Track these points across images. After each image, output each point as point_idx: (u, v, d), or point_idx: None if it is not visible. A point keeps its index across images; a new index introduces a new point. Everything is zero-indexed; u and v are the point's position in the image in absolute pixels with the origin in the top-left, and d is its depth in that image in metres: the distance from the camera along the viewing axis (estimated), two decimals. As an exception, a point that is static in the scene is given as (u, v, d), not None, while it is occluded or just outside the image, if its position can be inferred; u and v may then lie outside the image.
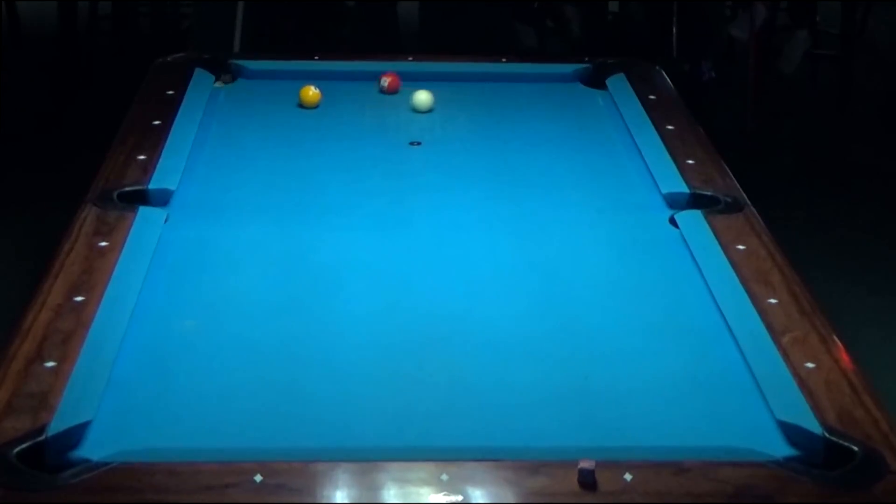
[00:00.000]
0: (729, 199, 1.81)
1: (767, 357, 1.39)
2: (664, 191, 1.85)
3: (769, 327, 1.45)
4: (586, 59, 2.43)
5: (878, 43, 4.57)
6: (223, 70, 2.29)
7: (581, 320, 1.51)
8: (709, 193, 1.83)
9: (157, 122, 2.04)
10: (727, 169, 1.94)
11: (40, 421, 1.23)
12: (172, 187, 1.81)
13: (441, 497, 1.15)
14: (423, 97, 2.16)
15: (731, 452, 1.24)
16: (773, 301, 1.51)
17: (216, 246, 1.69)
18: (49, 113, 3.92)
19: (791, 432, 1.27)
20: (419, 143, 2.08)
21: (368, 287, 1.58)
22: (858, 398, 1.31)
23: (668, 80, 2.38)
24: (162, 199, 1.79)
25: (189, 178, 1.87)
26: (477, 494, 1.17)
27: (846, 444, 1.23)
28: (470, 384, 1.36)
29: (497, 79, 2.35)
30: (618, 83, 2.29)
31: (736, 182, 1.89)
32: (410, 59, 2.44)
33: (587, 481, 1.16)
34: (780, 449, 1.25)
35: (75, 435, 1.22)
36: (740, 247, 1.66)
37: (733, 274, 1.58)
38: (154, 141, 1.96)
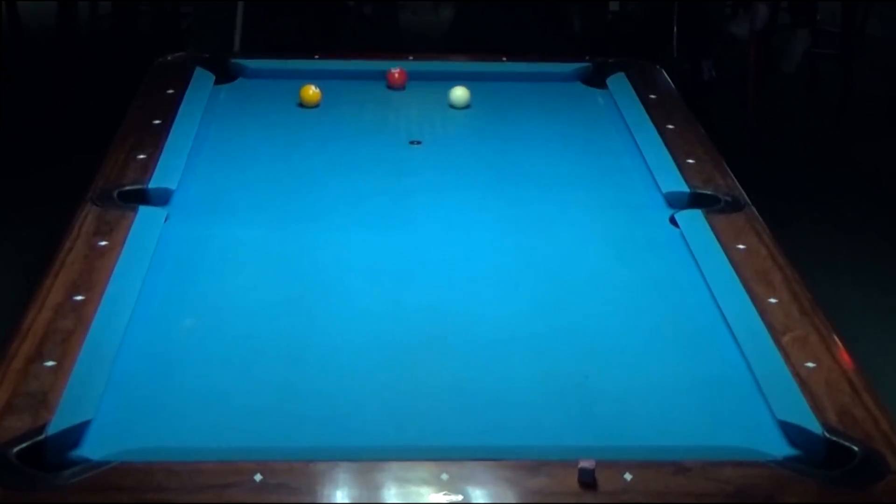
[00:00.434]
0: (729, 199, 1.81)
1: (768, 356, 1.39)
2: (664, 190, 1.85)
3: (769, 327, 1.45)
4: (587, 58, 2.43)
5: (879, 41, 4.56)
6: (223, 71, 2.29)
7: (581, 319, 1.51)
8: (709, 193, 1.83)
9: (157, 122, 2.04)
10: (727, 168, 1.94)
11: (40, 420, 1.23)
12: (172, 187, 1.81)
13: (441, 496, 1.15)
14: (459, 93, 2.16)
15: (732, 452, 1.24)
16: (773, 300, 1.51)
17: (216, 245, 1.69)
18: (49, 112, 3.92)
19: (791, 432, 1.27)
20: (419, 143, 2.08)
21: (369, 287, 1.58)
22: (859, 398, 1.31)
23: (669, 79, 2.38)
24: (162, 198, 1.78)
25: (189, 177, 1.87)
26: (477, 494, 1.17)
27: (846, 443, 1.23)
28: (470, 383, 1.36)
29: (497, 78, 2.35)
30: (618, 82, 2.29)
31: (736, 181, 1.89)
32: (411, 58, 2.44)
33: (587, 481, 1.16)
34: (781, 448, 1.25)
35: (75, 434, 1.22)
36: (740, 246, 1.66)
37: (733, 273, 1.58)
38: (154, 140, 1.96)
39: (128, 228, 1.65)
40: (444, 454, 1.21)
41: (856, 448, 1.22)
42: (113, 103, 2.37)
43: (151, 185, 1.81)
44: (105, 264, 1.56)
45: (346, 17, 3.41)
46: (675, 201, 1.82)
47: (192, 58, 2.36)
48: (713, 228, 1.71)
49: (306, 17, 3.35)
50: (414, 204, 1.85)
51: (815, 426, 1.25)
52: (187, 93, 2.16)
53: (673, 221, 1.77)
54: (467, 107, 2.19)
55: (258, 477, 1.16)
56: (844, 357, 1.39)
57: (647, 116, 2.13)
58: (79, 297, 1.47)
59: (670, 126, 2.10)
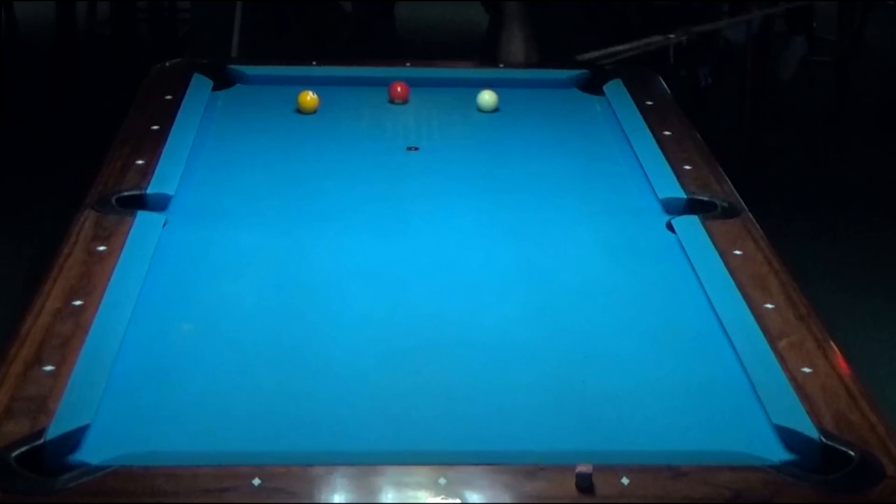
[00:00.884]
0: (726, 205, 1.82)
1: (764, 361, 1.40)
2: (661, 196, 1.86)
3: (766, 332, 1.46)
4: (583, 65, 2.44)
5: (875, 49, 4.58)
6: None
7: (578, 325, 1.52)
8: (706, 198, 1.84)
9: (155, 127, 2.05)
10: (724, 174, 1.95)
11: (39, 425, 1.23)
12: (171, 192, 1.82)
13: (439, 500, 1.16)
14: (487, 97, 2.18)
15: (728, 456, 1.24)
16: (769, 306, 1.52)
17: (214, 250, 1.69)
18: (47, 117, 3.92)
19: (788, 437, 1.27)
20: (416, 149, 2.09)
21: (367, 292, 1.58)
22: (855, 402, 1.32)
23: (665, 85, 2.39)
24: (160, 203, 1.79)
25: (187, 182, 1.87)
26: (475, 498, 1.17)
27: (843, 448, 1.23)
28: (468, 388, 1.36)
29: (494, 84, 2.36)
30: (615, 89, 2.30)
31: (733, 187, 1.90)
32: (408, 64, 2.45)
33: (585, 485, 1.16)
34: (777, 453, 1.25)
35: (74, 438, 1.22)
36: (737, 252, 1.66)
37: (730, 279, 1.58)
38: (152, 146, 1.97)
39: (126, 234, 1.66)
40: (442, 458, 1.21)
41: (852, 453, 1.23)
42: (111, 109, 2.38)
43: (150, 190, 1.81)
44: (104, 269, 1.56)
45: (343, 22, 3.41)
46: (672, 207, 1.83)
47: (189, 64, 2.36)
48: (710, 234, 1.71)
49: (304, 22, 3.36)
50: (411, 210, 1.85)
51: (811, 431, 1.26)
52: (185, 99, 2.17)
53: (669, 227, 1.77)
54: (496, 110, 2.20)
55: (256, 481, 1.16)
56: (840, 362, 1.40)
57: (643, 123, 2.14)
58: (77, 302, 1.47)
59: (667, 132, 2.10)
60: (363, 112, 2.25)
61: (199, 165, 1.95)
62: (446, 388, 1.36)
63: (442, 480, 1.18)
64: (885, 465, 1.21)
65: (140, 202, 1.78)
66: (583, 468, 1.15)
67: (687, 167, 1.96)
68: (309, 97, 2.19)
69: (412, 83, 2.29)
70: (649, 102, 2.24)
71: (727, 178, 1.93)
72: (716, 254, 1.66)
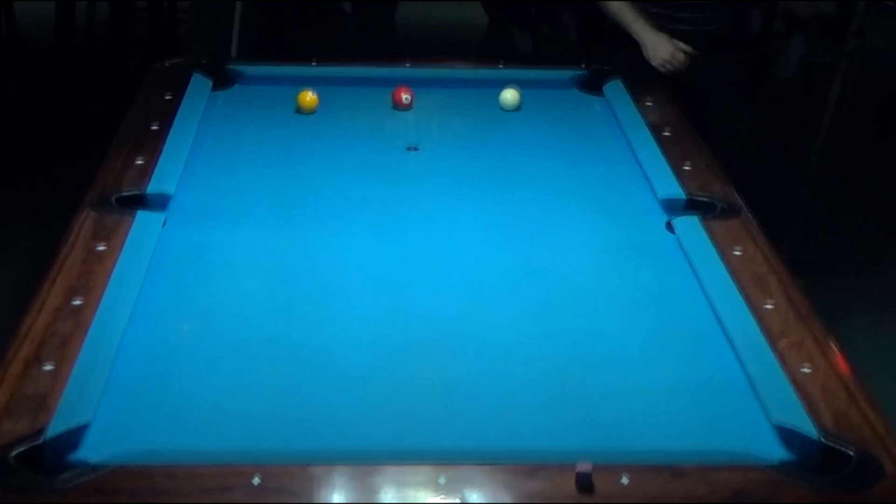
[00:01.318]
0: (725, 205, 1.82)
1: (764, 361, 1.40)
2: (661, 196, 1.86)
3: (766, 331, 1.46)
4: (583, 64, 2.44)
5: (873, 48, 4.58)
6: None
7: (578, 324, 1.52)
8: (705, 198, 1.84)
9: (155, 127, 2.05)
10: (724, 174, 1.95)
11: (39, 423, 1.23)
12: (170, 192, 1.82)
13: (439, 499, 1.16)
14: (509, 95, 2.19)
15: (728, 456, 1.24)
16: (769, 305, 1.52)
17: (214, 250, 1.69)
18: (47, 117, 3.92)
19: (787, 436, 1.27)
20: (416, 149, 2.09)
21: (366, 291, 1.58)
22: (854, 402, 1.32)
23: (665, 85, 2.38)
24: (160, 203, 1.79)
25: (187, 182, 1.87)
26: (474, 497, 1.17)
27: (842, 447, 1.24)
28: (467, 387, 1.36)
29: (494, 84, 2.36)
30: (615, 89, 2.30)
31: (732, 187, 1.90)
32: (408, 64, 2.45)
33: (585, 484, 1.16)
34: (777, 452, 1.25)
35: (74, 437, 1.22)
36: (737, 251, 1.66)
37: (730, 278, 1.58)
38: (152, 145, 1.97)
39: (126, 233, 1.66)
40: (442, 457, 1.21)
41: (851, 452, 1.23)
42: (110, 108, 2.37)
43: (149, 190, 1.81)
44: (103, 268, 1.56)
45: (343, 23, 3.41)
46: (672, 207, 1.83)
47: (189, 63, 2.36)
48: (710, 234, 1.71)
49: (304, 22, 3.36)
50: (411, 209, 1.85)
51: (811, 430, 1.26)
52: (185, 98, 2.16)
53: (669, 227, 1.77)
54: (517, 109, 2.21)
55: (256, 480, 1.16)
56: (840, 361, 1.40)
57: (643, 122, 2.14)
58: (77, 301, 1.47)
59: (666, 132, 2.10)
60: (363, 112, 2.25)
61: (198, 165, 1.95)
62: (446, 387, 1.36)
63: (441, 479, 1.18)
64: (884, 465, 1.21)
65: (140, 202, 1.78)
66: (583, 467, 1.15)
67: (686, 167, 1.96)
68: (308, 97, 2.19)
69: (412, 83, 2.29)
70: (649, 102, 2.24)
71: (726, 178, 1.93)
72: (715, 253, 1.66)
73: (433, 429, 1.28)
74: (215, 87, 2.27)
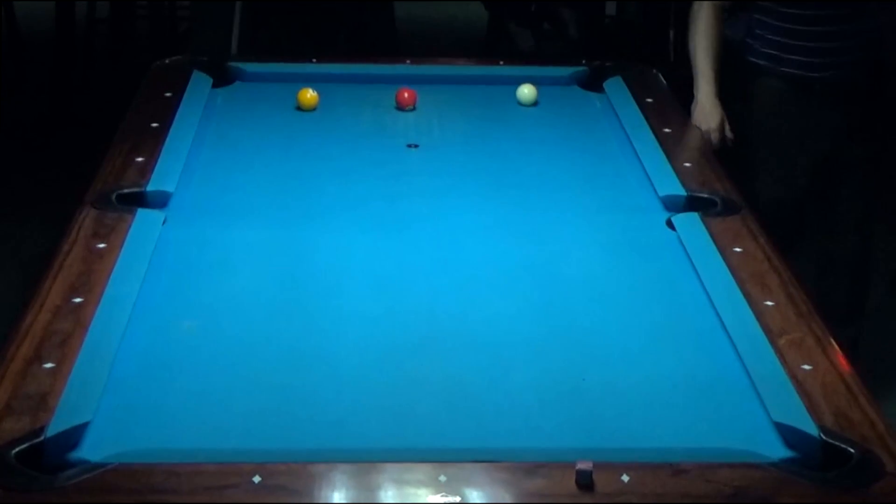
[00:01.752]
0: (726, 202, 1.82)
1: (764, 359, 1.39)
2: (661, 193, 1.86)
3: (766, 329, 1.45)
4: (583, 62, 2.43)
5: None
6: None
7: (578, 322, 1.52)
8: (706, 196, 1.84)
9: (155, 125, 2.05)
10: (723, 171, 1.95)
11: (39, 422, 1.23)
12: (171, 189, 1.81)
13: (439, 498, 1.15)
14: (526, 91, 2.19)
15: (728, 454, 1.24)
16: (769, 303, 1.52)
17: (214, 248, 1.69)
18: (47, 115, 3.92)
19: (788, 434, 1.27)
20: (416, 146, 2.09)
21: (366, 289, 1.58)
22: (855, 400, 1.32)
23: (666, 83, 2.38)
24: (160, 201, 1.79)
25: (187, 180, 1.87)
26: (475, 495, 1.17)
27: (842, 445, 1.23)
28: (468, 385, 1.36)
29: (494, 81, 2.36)
30: (615, 86, 2.30)
31: (733, 184, 1.90)
32: (408, 62, 2.45)
33: (584, 482, 1.16)
34: (777, 450, 1.25)
35: (74, 436, 1.22)
36: (737, 249, 1.66)
37: (730, 276, 1.58)
38: (152, 143, 1.97)
39: (126, 231, 1.65)
40: (442, 456, 1.21)
41: (852, 450, 1.22)
42: (111, 107, 2.37)
43: (149, 188, 1.81)
44: (103, 267, 1.56)
45: (339, 22, 3.40)
46: (672, 204, 1.82)
47: (189, 61, 2.36)
48: (710, 231, 1.71)
49: (303, 20, 3.36)
50: (411, 207, 1.85)
51: (811, 428, 1.26)
52: (185, 96, 2.16)
53: (670, 225, 1.77)
54: (535, 104, 2.20)
55: (257, 478, 1.16)
56: (840, 359, 1.40)
57: (643, 120, 2.13)
58: (77, 300, 1.47)
59: (667, 130, 2.10)
60: (363, 109, 2.24)
61: (198, 163, 1.95)
62: (447, 385, 1.36)
63: (442, 478, 1.17)
64: (885, 463, 1.21)
65: (140, 200, 1.78)
66: (583, 465, 1.15)
67: (687, 164, 1.96)
68: (308, 94, 2.19)
69: (412, 81, 2.29)
70: (649, 100, 2.24)
71: (727, 176, 1.93)
72: (716, 251, 1.65)
73: (434, 427, 1.28)
74: (215, 85, 2.27)
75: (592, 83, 2.35)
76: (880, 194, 2.28)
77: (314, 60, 2.43)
